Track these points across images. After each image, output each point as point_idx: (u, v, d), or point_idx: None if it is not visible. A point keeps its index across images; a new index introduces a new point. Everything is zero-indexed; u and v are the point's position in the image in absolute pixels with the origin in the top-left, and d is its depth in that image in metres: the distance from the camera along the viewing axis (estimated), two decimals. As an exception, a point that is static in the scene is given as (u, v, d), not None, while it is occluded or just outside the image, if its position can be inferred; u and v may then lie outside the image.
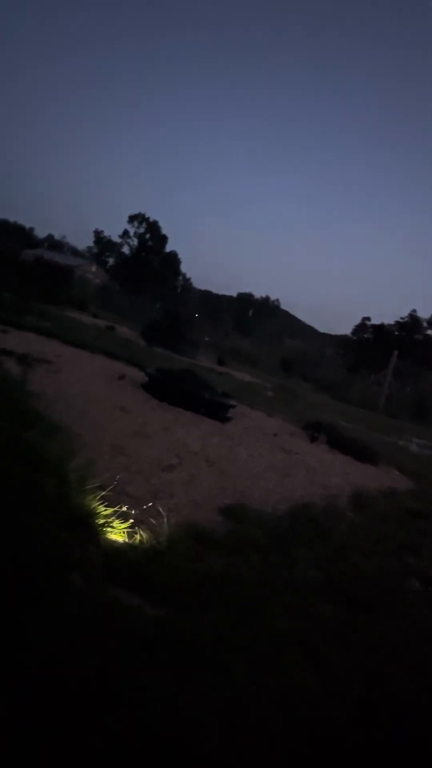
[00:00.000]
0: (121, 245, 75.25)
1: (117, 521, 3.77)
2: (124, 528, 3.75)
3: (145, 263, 69.65)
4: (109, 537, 3.60)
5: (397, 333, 60.05)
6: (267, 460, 7.79)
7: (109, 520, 3.73)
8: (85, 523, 3.55)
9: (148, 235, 72.81)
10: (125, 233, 73.58)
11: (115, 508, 3.86)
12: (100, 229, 77.69)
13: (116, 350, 13.66)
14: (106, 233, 78.55)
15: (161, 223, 72.56)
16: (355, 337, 63.84)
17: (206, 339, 38.10)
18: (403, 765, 2.42)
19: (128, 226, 73.22)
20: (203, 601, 3.14)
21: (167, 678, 2.33)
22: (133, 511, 4.01)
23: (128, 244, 73.75)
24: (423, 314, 62.16)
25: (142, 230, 72.97)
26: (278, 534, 4.73)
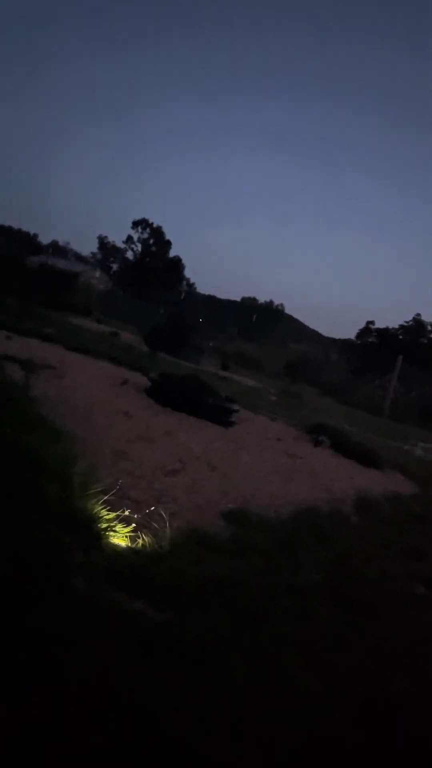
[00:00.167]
0: (125, 251, 75.47)
1: (119, 525, 3.78)
2: (127, 532, 3.77)
3: (148, 268, 69.78)
4: (111, 541, 3.62)
5: (401, 337, 59.90)
6: (270, 465, 7.79)
7: (112, 524, 3.75)
8: (87, 527, 3.57)
9: (151, 241, 72.99)
10: (129, 239, 73.77)
11: (117, 512, 3.87)
12: (104, 234, 78.11)
13: (119, 355, 13.70)
14: (110, 239, 78.97)
15: (165, 229, 72.81)
16: (359, 341, 63.68)
17: (210, 344, 38.14)
18: (402, 765, 2.42)
19: (132, 232, 73.41)
20: (205, 605, 3.14)
21: (167, 680, 2.34)
22: (135, 515, 4.02)
23: (132, 249, 73.94)
24: (427, 317, 62.03)
25: (145, 236, 73.15)
26: (281, 538, 4.72)
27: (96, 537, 3.54)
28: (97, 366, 11.65)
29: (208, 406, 9.42)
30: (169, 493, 5.06)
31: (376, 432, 18.16)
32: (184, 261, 73.95)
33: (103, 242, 79.16)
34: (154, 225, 73.12)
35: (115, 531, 3.71)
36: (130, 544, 3.68)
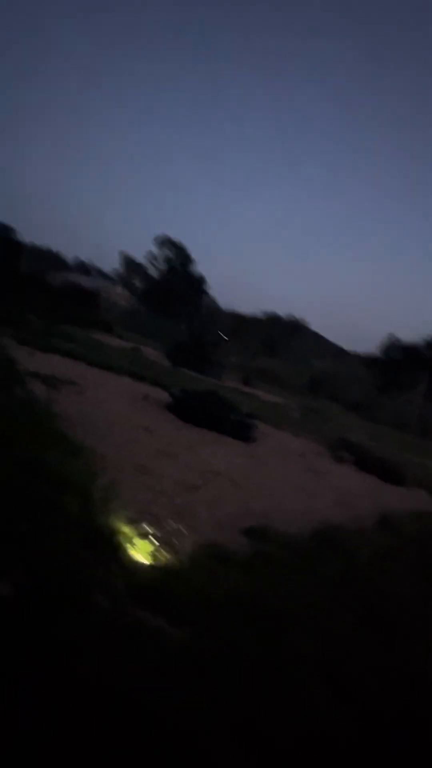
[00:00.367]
0: (147, 267, 76.27)
1: (140, 541, 3.76)
2: (147, 548, 3.74)
3: (171, 285, 70.36)
4: (132, 557, 3.60)
5: (425, 352, 59.15)
6: (292, 481, 7.71)
7: (132, 540, 3.73)
8: (108, 542, 3.56)
9: (174, 257, 73.68)
10: (151, 255, 74.58)
11: (138, 528, 3.86)
12: (127, 251, 79.06)
13: (141, 371, 13.77)
14: (133, 255, 79.93)
15: (188, 245, 73.55)
16: (384, 357, 63.04)
17: (232, 360, 38.12)
18: None
19: (154, 248, 74.24)
20: (225, 622, 3.10)
21: (185, 695, 2.30)
22: (156, 532, 4.00)
23: (154, 265, 74.70)
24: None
25: (168, 252, 73.88)
26: (302, 555, 4.65)
27: (116, 552, 3.53)
28: (118, 381, 11.72)
29: (229, 421, 9.40)
30: (190, 509, 5.02)
31: (400, 448, 17.89)
32: (207, 277, 74.43)
33: (125, 259, 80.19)
34: (177, 241, 73.89)
35: (135, 547, 3.69)
36: (150, 560, 3.65)
